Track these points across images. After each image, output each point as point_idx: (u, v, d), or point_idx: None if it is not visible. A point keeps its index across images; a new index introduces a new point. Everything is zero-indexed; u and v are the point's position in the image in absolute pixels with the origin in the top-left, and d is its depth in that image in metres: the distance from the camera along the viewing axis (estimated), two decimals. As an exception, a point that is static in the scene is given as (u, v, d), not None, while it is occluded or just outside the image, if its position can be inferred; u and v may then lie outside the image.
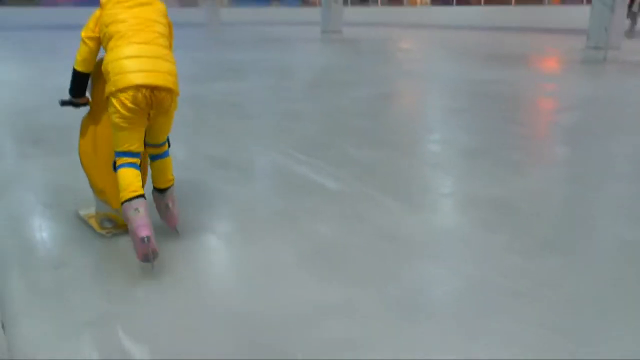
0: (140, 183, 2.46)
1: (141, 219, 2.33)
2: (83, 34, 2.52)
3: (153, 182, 2.74)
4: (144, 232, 2.29)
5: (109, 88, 2.37)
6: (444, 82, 8.48)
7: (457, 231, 2.89)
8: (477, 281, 2.33)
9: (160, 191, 2.73)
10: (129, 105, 2.34)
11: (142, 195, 2.41)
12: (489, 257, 2.55)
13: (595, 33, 10.79)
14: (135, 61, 2.37)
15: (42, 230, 2.94)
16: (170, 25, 2.72)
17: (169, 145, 2.74)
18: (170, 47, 2.65)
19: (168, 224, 2.76)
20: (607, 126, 5.37)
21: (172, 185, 2.74)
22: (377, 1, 31.86)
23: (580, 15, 17.62)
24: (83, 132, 2.75)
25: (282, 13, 31.28)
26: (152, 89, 2.37)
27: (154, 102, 2.40)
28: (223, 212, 3.19)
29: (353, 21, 22.72)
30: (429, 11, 27.78)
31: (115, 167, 2.47)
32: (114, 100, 2.35)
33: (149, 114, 2.46)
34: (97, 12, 2.55)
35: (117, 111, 2.35)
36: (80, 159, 2.76)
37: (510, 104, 6.67)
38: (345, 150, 4.40)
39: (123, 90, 2.33)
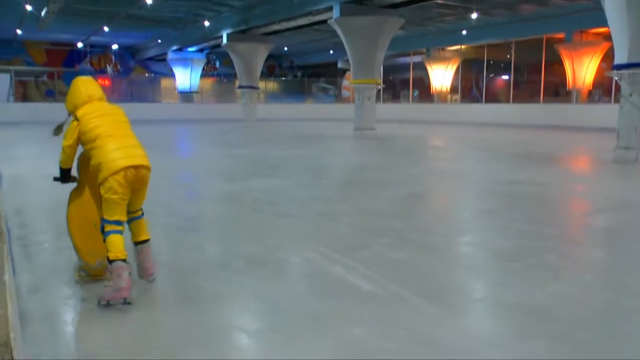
0: (123, 245, 3.18)
1: (127, 282, 3.10)
2: (64, 143, 3.35)
3: (132, 238, 3.44)
4: (126, 294, 3.11)
5: (103, 174, 3.13)
6: (475, 182, 8.64)
7: (493, 337, 2.92)
8: (513, 392, 2.34)
9: (136, 244, 3.43)
10: (122, 182, 3.12)
11: (126, 259, 3.16)
12: (524, 367, 2.56)
13: (625, 133, 10.92)
14: (119, 151, 3.18)
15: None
16: (128, 121, 3.52)
17: (142, 212, 3.48)
18: None
19: (144, 276, 3.44)
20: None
21: (148, 240, 3.45)
22: (408, 98, 32.89)
23: (608, 114, 17.94)
24: (70, 202, 3.51)
25: (316, 109, 32.50)
26: (135, 167, 3.19)
27: (138, 177, 3.21)
28: (256, 311, 3.29)
29: (385, 117, 23.42)
30: (458, 108, 28.51)
31: (104, 232, 3.17)
32: (110, 182, 3.11)
33: (133, 187, 3.22)
34: (74, 123, 3.34)
35: (114, 189, 3.12)
36: (67, 222, 3.48)
37: (542, 205, 6.74)
38: (379, 251, 4.50)
39: (116, 173, 3.11)
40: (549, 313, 3.22)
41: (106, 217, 3.16)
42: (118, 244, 3.13)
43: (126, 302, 3.12)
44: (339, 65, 36.41)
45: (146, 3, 18.65)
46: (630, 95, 10.64)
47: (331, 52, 33.42)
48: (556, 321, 3.11)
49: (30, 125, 21.27)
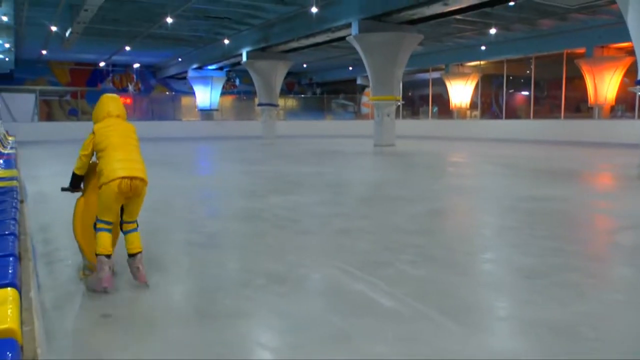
0: (112, 245, 3.73)
1: (106, 273, 3.64)
2: (81, 152, 3.82)
3: (127, 249, 3.82)
4: (106, 284, 3.64)
5: (103, 180, 3.60)
6: (495, 198, 8.57)
7: (518, 355, 2.87)
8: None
9: (131, 256, 3.80)
10: (116, 190, 3.57)
11: (110, 255, 3.69)
12: (551, 387, 2.51)
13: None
14: (120, 163, 3.64)
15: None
16: (138, 140, 3.97)
17: (137, 225, 3.86)
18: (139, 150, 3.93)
19: (139, 280, 3.81)
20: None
21: (140, 252, 3.80)
22: (427, 114, 32.86)
23: (631, 129, 17.72)
24: (76, 208, 3.94)
25: (335, 126, 32.61)
26: (130, 178, 3.60)
27: (132, 187, 3.62)
28: (277, 328, 3.29)
29: (404, 134, 23.40)
30: (478, 124, 28.36)
31: (96, 228, 3.69)
32: (107, 187, 3.57)
33: (125, 197, 3.65)
34: (90, 136, 3.83)
35: (109, 193, 3.58)
36: (73, 226, 3.91)
37: (565, 222, 6.66)
38: (400, 268, 4.48)
39: (113, 180, 3.57)
40: (574, 331, 3.16)
41: (99, 216, 3.69)
42: (105, 241, 3.66)
43: (105, 291, 3.64)
44: (358, 81, 36.57)
45: (167, 22, 18.99)
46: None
47: (350, 68, 33.61)
48: (582, 340, 3.05)
49: (55, 143, 21.68)
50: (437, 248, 5.30)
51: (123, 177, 3.58)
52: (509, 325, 3.44)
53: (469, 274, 4.46)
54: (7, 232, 2.63)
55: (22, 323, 1.59)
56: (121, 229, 3.87)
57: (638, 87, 10.79)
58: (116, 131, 3.82)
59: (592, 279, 4.30)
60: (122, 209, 3.81)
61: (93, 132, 3.82)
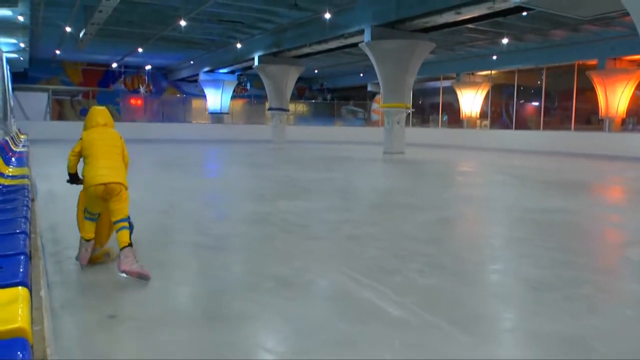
0: (93, 231, 4.38)
1: (85, 254, 4.34)
2: (70, 153, 4.44)
3: (118, 245, 4.17)
4: (83, 262, 4.35)
5: (85, 185, 4.27)
6: (505, 208, 8.52)
7: (526, 370, 2.84)
8: None
9: (120, 249, 4.14)
10: (94, 193, 4.19)
11: (91, 240, 4.35)
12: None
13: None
14: (98, 170, 4.24)
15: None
16: (123, 144, 4.57)
17: (130, 225, 4.28)
18: (122, 155, 4.52)
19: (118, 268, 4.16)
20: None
21: (127, 245, 4.11)
22: (437, 123, 32.82)
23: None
24: (79, 200, 4.52)
25: (346, 132, 32.64)
26: (105, 184, 4.17)
27: (107, 190, 4.18)
28: (284, 333, 3.28)
29: (414, 142, 23.37)
30: (488, 134, 28.28)
31: (85, 217, 4.38)
32: (89, 190, 4.22)
33: (103, 199, 4.23)
34: (79, 141, 4.43)
35: (90, 195, 4.23)
36: (77, 212, 4.49)
37: (575, 234, 6.60)
38: (408, 276, 4.45)
39: (91, 186, 4.18)
40: (584, 345, 3.13)
41: (87, 208, 4.37)
42: (89, 228, 4.36)
43: (82, 266, 4.35)
44: (369, 88, 36.60)
45: (180, 25, 19.10)
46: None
47: (361, 75, 33.62)
48: (592, 353, 3.02)
49: (66, 143, 21.78)
50: (446, 257, 5.27)
51: (98, 184, 4.17)
52: (517, 336, 3.41)
53: (478, 284, 4.43)
54: (18, 231, 2.64)
55: (32, 322, 1.59)
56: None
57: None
58: (101, 140, 4.44)
59: (601, 292, 4.25)
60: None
61: (81, 138, 4.44)
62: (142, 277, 3.99)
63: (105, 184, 4.17)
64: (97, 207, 4.36)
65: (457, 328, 3.32)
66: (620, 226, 7.31)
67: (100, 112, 4.69)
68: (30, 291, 1.83)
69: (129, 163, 4.68)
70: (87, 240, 4.36)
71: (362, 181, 12.44)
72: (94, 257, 4.50)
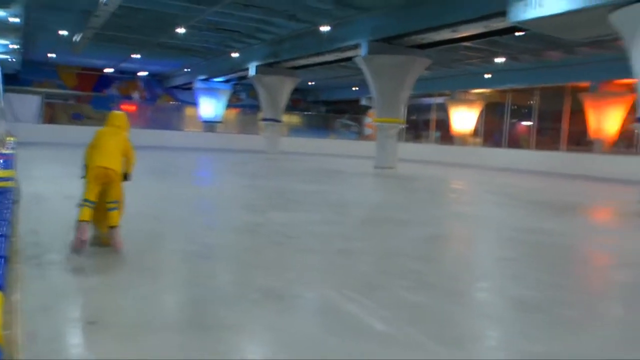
0: (89, 215, 4.89)
1: (81, 233, 4.86)
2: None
3: (108, 223, 4.99)
4: (77, 244, 4.85)
5: (89, 167, 4.97)
6: (494, 227, 8.52)
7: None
8: None
9: (110, 228, 5.01)
10: (93, 175, 4.91)
11: (87, 221, 4.88)
12: None
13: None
14: (99, 157, 4.97)
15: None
16: (128, 147, 5.25)
17: (115, 206, 5.02)
18: (123, 155, 5.19)
19: (115, 247, 5.00)
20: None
21: (116, 226, 5.01)
22: (429, 139, 32.93)
23: (632, 166, 17.71)
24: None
25: (339, 145, 32.61)
26: (104, 168, 4.92)
27: (105, 174, 4.94)
28: (268, 344, 3.24)
29: (406, 157, 23.37)
30: (479, 152, 28.35)
31: (80, 204, 4.93)
32: (88, 173, 4.96)
33: (102, 183, 4.97)
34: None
35: (89, 178, 4.93)
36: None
37: (563, 255, 6.59)
38: (396, 292, 4.41)
39: (94, 167, 4.92)
40: (570, 368, 3.10)
41: (84, 196, 4.94)
42: (85, 212, 4.88)
43: (77, 252, 4.85)
44: (362, 102, 36.69)
45: (178, 33, 19.08)
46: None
47: (355, 89, 33.70)
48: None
49: (56, 146, 21.66)
50: (435, 275, 5.24)
51: (100, 166, 4.92)
52: (502, 356, 3.37)
53: (465, 303, 4.40)
54: (-1, 233, 2.58)
55: (3, 326, 1.54)
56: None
57: (638, 124, 10.79)
58: (109, 137, 5.16)
59: (587, 315, 4.24)
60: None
61: (96, 132, 5.23)
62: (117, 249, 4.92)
63: (105, 168, 4.93)
64: (93, 192, 4.95)
65: (443, 346, 3.29)
66: (607, 248, 7.31)
67: (116, 116, 5.43)
68: (5, 295, 1.77)
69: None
70: (84, 222, 4.88)
71: (354, 195, 12.41)
72: (103, 240, 5.15)
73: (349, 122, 39.29)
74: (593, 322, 4.08)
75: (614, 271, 6.03)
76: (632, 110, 21.49)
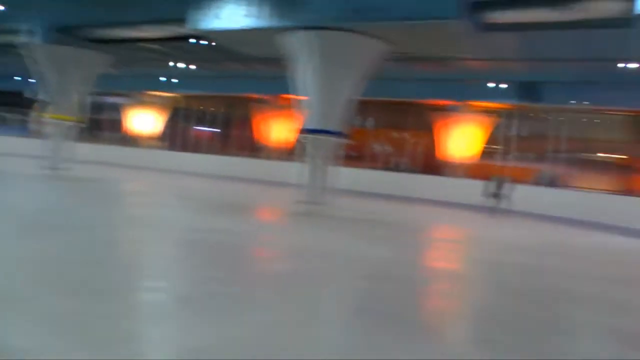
0: None
1: None
2: None
3: None
4: None
5: None
6: (167, 228, 8.69)
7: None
8: None
9: None
10: None
11: None
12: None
13: (310, 190, 12.33)
14: None
15: None
16: None
17: None
18: None
19: None
20: (321, 275, 6.04)
21: None
22: (110, 139, 31.41)
23: (293, 170, 20.04)
24: None
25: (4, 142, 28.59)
26: None
27: None
28: None
29: (85, 158, 21.79)
30: (164, 155, 28.14)
31: None
32: None
33: None
34: None
35: None
36: None
37: (228, 252, 7.00)
38: (46, 301, 4.11)
39: None
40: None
41: None
42: None
43: None
44: (27, 94, 32.55)
45: None
46: (315, 156, 12.22)
47: (18, 78, 30.00)
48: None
49: None
50: (101, 280, 4.99)
51: None
52: (162, 350, 3.46)
53: (130, 305, 4.36)
54: None
55: None
56: None
57: (302, 135, 12.43)
58: None
59: (242, 303, 4.62)
60: None
61: None
62: None
63: None
64: None
65: (95, 351, 3.19)
66: (269, 243, 8.15)
67: None
68: None
69: None
70: None
71: (15, 199, 10.97)
72: None
73: (9, 115, 34.60)
74: (248, 309, 4.44)
75: (272, 263, 6.76)
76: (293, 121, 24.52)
